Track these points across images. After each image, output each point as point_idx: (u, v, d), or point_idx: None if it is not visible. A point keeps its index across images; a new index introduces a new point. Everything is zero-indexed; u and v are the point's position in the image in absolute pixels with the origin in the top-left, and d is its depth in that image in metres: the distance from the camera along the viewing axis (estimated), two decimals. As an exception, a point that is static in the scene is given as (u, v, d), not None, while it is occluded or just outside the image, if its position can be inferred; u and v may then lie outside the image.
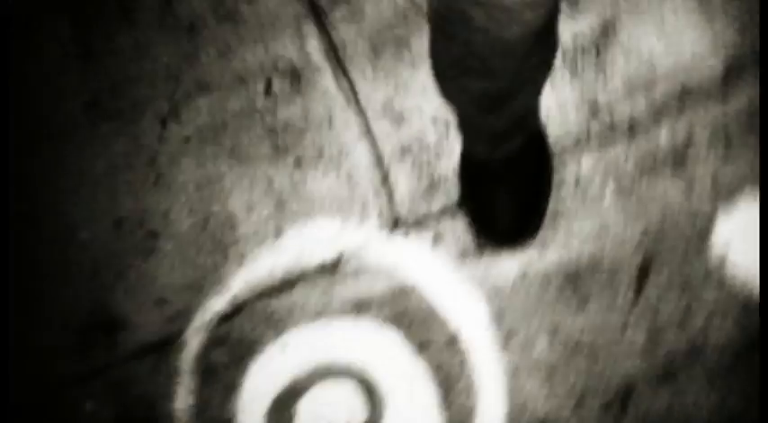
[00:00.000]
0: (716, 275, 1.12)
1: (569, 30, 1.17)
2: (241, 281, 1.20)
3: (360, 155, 1.18)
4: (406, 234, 1.17)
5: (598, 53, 1.20)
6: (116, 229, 1.22)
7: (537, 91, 0.95)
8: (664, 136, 1.14)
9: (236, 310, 1.20)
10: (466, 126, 1.07)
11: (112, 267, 1.22)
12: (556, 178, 1.14)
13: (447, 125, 1.16)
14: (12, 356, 1.21)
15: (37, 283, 1.23)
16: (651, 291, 1.13)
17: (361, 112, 1.18)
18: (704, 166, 1.14)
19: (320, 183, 1.19)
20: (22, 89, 1.20)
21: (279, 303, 1.19)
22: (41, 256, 1.23)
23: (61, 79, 1.21)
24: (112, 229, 1.22)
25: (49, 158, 1.21)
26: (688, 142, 1.14)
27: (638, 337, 1.13)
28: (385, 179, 1.17)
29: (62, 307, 1.23)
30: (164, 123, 1.20)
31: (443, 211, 1.16)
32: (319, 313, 1.18)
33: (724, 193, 1.13)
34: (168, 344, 1.21)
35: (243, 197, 1.20)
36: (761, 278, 1.08)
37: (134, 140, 1.20)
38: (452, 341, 1.16)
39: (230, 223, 1.20)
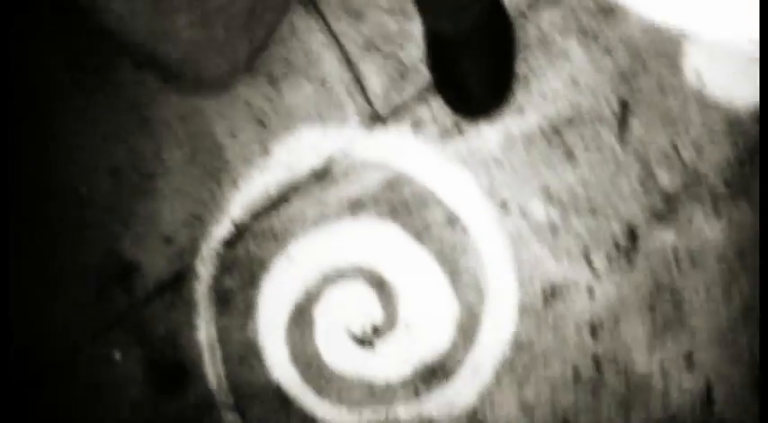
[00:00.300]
0: (696, 100, 1.11)
1: None
2: (238, 205, 1.23)
3: (327, 58, 1.21)
4: (386, 126, 1.18)
5: None
6: (113, 178, 1.26)
7: None
8: (617, -22, 1.15)
9: (239, 233, 1.23)
10: (423, 2, 1.08)
11: (116, 216, 1.26)
12: (520, 41, 1.15)
13: (404, 12, 1.18)
14: (34, 319, 1.26)
15: (47, 245, 1.27)
16: (635, 131, 1.13)
17: (320, 16, 1.21)
18: (662, -2, 1.14)
19: (295, 94, 1.22)
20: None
21: (278, 219, 1.21)
22: (46, 218, 1.27)
23: (39, 41, 1.26)
24: (110, 179, 1.26)
25: (37, 120, 1.26)
26: (642, -21, 1.15)
27: (631, 179, 1.13)
28: (356, 77, 1.20)
29: (75, 263, 1.27)
30: (139, 67, 1.24)
31: (418, 97, 1.18)
32: (318, 220, 1.20)
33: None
34: (181, 279, 1.24)
35: (225, 124, 1.23)
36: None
37: (115, 89, 1.24)
38: (451, 222, 1.17)
39: (218, 151, 1.23)
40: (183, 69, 0.65)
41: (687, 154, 1.12)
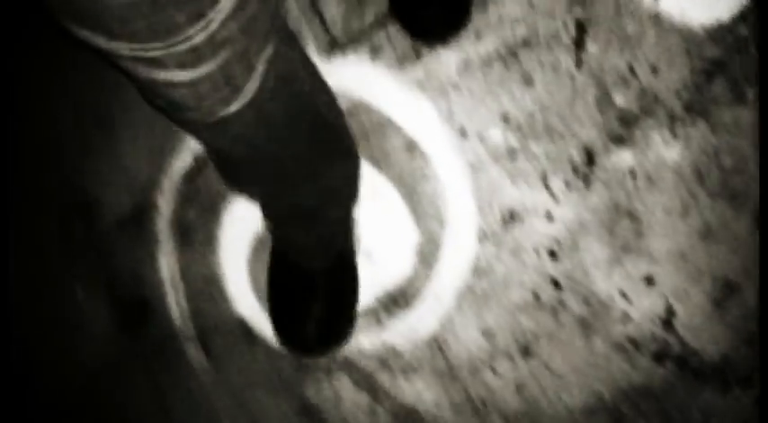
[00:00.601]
0: (652, 22, 1.11)
1: None
2: (198, 137, 1.22)
3: (284, -13, 1.20)
4: (344, 54, 1.18)
5: None
6: (74, 113, 1.25)
7: None
8: None
9: (199, 166, 1.22)
10: None
11: (76, 151, 1.25)
12: (477, -34, 1.14)
13: (361, -62, 1.17)
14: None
15: (7, 184, 1.27)
16: (591, 53, 1.12)
17: (276, -56, 1.20)
18: None
19: (253, 24, 1.20)
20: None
21: (238, 150, 1.20)
22: (5, 156, 1.26)
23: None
24: (70, 114, 1.25)
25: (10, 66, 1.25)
26: None
27: (588, 102, 1.13)
28: (313, 4, 1.19)
29: (36, 198, 1.26)
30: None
31: (375, 24, 1.17)
32: (277, 150, 1.19)
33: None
34: (142, 213, 1.24)
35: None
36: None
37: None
38: (410, 148, 1.17)
39: (177, 84, 1.22)
40: (185, 98, 0.64)
41: (644, 76, 1.11)
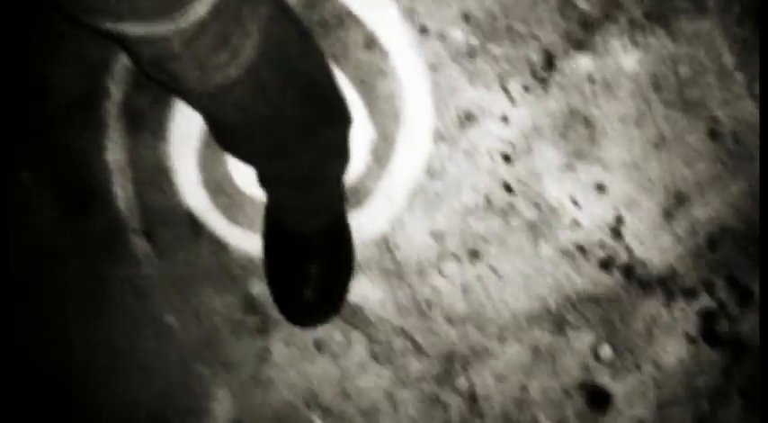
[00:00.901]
0: None
1: None
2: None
3: None
4: (308, -57, 1.15)
5: None
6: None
7: None
8: None
9: (154, 52, 1.19)
10: None
11: (29, 35, 1.21)
12: None
13: None
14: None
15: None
16: (557, -46, 1.12)
17: None
18: None
19: None
20: None
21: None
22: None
23: None
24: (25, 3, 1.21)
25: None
26: None
27: (551, 4, 1.12)
28: None
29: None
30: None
31: None
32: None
33: None
34: (92, 97, 1.20)
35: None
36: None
37: None
38: (369, 44, 1.15)
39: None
40: (186, 69, 0.64)
41: (608, -20, 1.11)
